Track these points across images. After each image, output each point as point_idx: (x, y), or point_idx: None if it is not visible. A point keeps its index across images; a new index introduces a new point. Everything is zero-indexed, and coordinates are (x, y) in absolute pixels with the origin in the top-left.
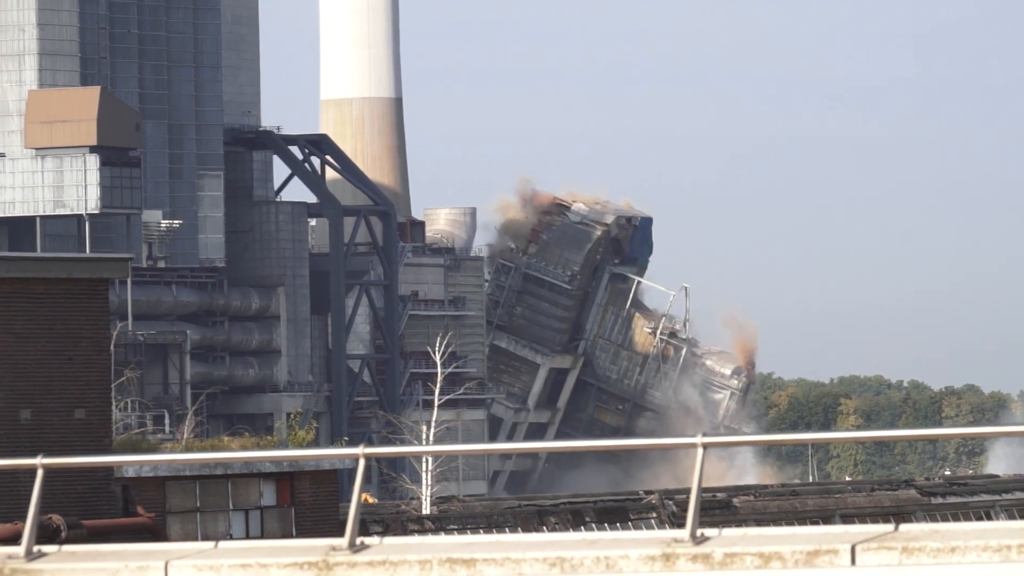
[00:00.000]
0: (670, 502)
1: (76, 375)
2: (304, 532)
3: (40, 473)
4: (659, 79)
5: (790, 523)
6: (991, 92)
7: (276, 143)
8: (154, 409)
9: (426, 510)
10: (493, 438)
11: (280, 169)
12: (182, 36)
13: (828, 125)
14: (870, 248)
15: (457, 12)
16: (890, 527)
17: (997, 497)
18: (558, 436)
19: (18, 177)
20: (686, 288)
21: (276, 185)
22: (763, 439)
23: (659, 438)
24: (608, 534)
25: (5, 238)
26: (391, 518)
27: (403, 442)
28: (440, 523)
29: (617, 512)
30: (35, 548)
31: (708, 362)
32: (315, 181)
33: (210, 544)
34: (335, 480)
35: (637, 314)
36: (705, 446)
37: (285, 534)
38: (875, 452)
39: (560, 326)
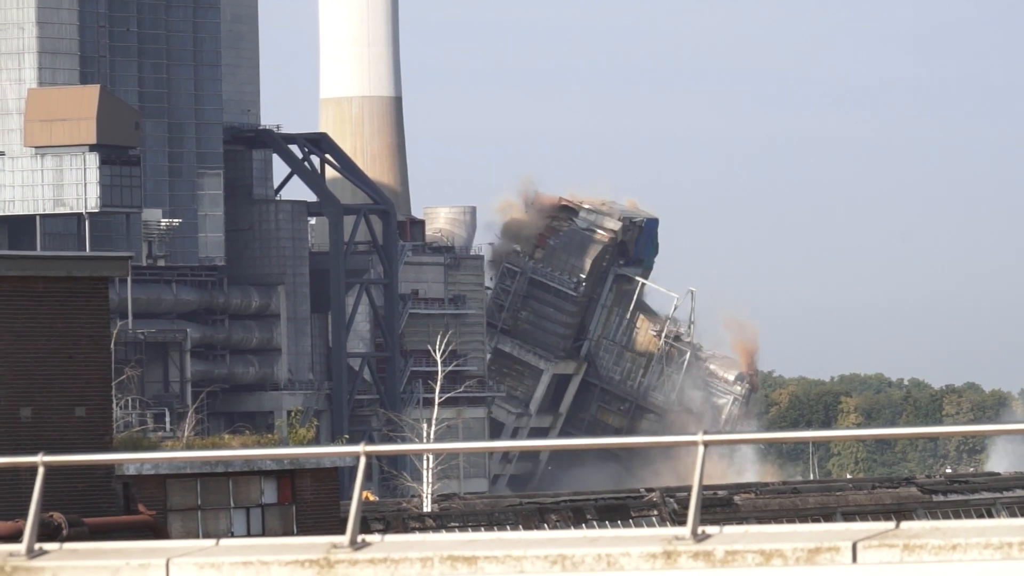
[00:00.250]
0: (671, 500)
1: (77, 373)
2: (305, 530)
3: (41, 471)
4: (657, 79)
5: (791, 521)
6: (990, 92)
7: (276, 142)
8: (155, 407)
9: (427, 508)
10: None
11: (280, 168)
12: (182, 35)
13: (827, 125)
14: (871, 247)
15: (457, 11)
16: (891, 525)
17: (998, 495)
18: (560, 436)
19: (18, 176)
20: (692, 292)
21: (276, 184)
22: (764, 437)
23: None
24: (609, 532)
25: (5, 237)
26: (392, 516)
27: (404, 440)
28: (441, 521)
29: (618, 510)
30: (36, 546)
31: (712, 366)
32: (315, 180)
33: (211, 542)
34: (336, 478)
35: (641, 316)
36: (706, 444)
37: (286, 532)
38: (876, 450)
39: (564, 332)
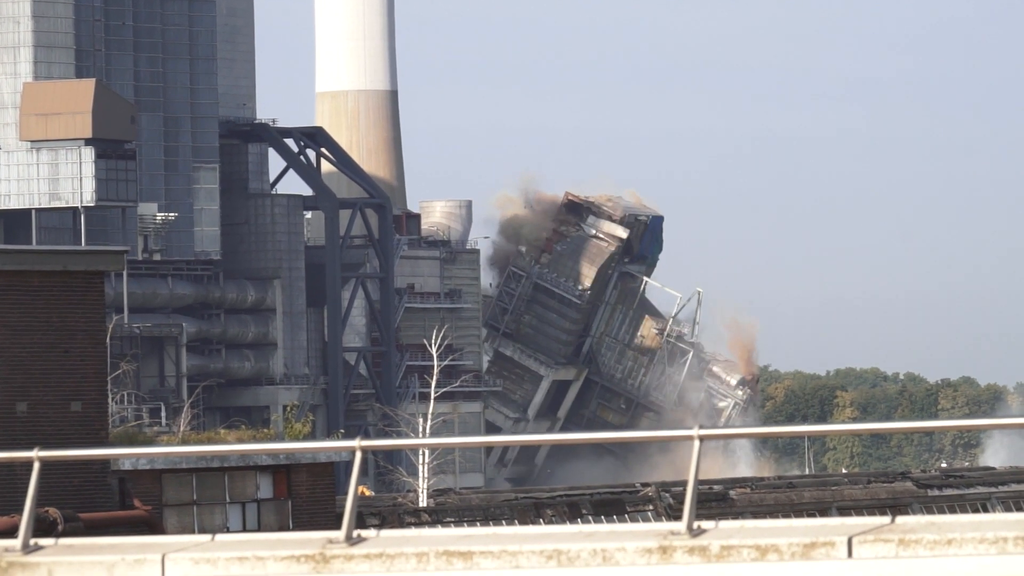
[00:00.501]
0: (667, 495)
1: (72, 368)
2: (301, 525)
3: (36, 466)
4: (655, 73)
5: (787, 515)
6: (989, 89)
7: (271, 136)
8: (150, 402)
9: (423, 503)
10: (490, 451)
11: (275, 162)
12: (177, 28)
13: (824, 121)
14: (867, 242)
15: (452, 4)
16: (887, 519)
17: (993, 489)
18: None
19: (13, 170)
20: (699, 292)
21: (271, 178)
22: (759, 431)
23: (656, 430)
24: (605, 527)
25: (1, 231)
26: (388, 511)
27: (399, 435)
28: (437, 516)
29: (614, 504)
30: (32, 541)
31: (715, 368)
32: (311, 174)
33: (207, 537)
34: (332, 473)
35: (645, 315)
36: (701, 438)
37: (282, 527)
38: (871, 444)
39: (566, 339)
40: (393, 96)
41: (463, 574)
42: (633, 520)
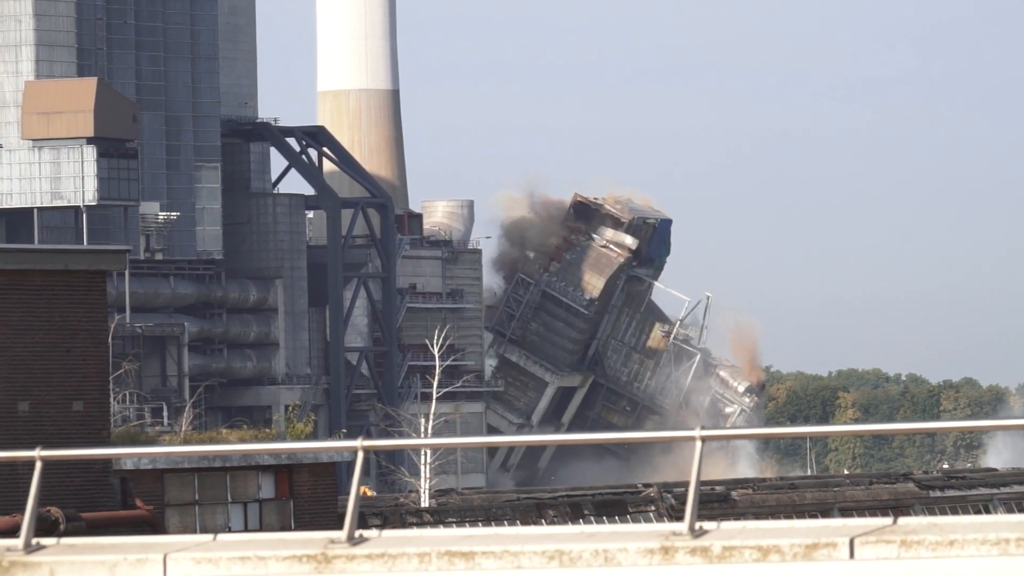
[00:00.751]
0: (668, 495)
1: (74, 367)
2: (302, 525)
3: (38, 465)
4: (655, 73)
5: (788, 516)
6: (990, 89)
7: (273, 135)
8: (152, 401)
9: (425, 503)
10: (493, 455)
11: (277, 161)
12: (179, 27)
13: (826, 120)
14: (869, 242)
15: (454, 3)
16: (888, 520)
17: (995, 490)
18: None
19: (15, 168)
20: (708, 297)
21: (273, 177)
22: (761, 432)
23: (659, 431)
24: (607, 527)
25: (2, 230)
26: (389, 511)
27: (401, 435)
28: (439, 516)
29: (616, 505)
30: (34, 540)
31: (722, 373)
32: (312, 173)
33: (209, 537)
34: (333, 473)
35: (652, 319)
36: (703, 439)
37: (283, 527)
38: (873, 445)
39: (572, 348)
40: (395, 95)
41: (465, 574)
42: (635, 521)
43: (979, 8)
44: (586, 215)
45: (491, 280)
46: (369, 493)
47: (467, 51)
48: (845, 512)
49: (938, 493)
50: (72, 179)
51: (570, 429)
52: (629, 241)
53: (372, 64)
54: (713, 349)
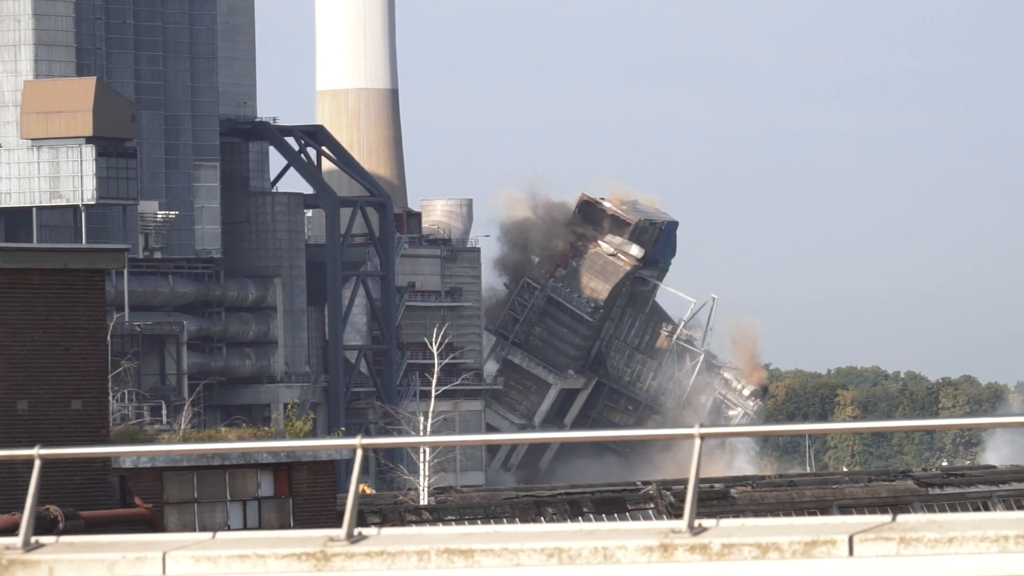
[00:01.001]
0: (668, 493)
1: (73, 366)
2: (301, 523)
3: (37, 464)
4: (655, 72)
5: (788, 514)
6: (990, 88)
7: (272, 134)
8: (151, 400)
9: (424, 501)
10: (494, 454)
11: (276, 160)
12: (178, 26)
13: (825, 118)
14: (868, 240)
15: (453, 2)
16: (888, 518)
17: (994, 488)
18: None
19: (14, 168)
20: (714, 299)
21: (272, 176)
22: (760, 430)
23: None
24: (606, 525)
25: (1, 229)
26: (389, 509)
27: (400, 433)
28: (438, 514)
29: (615, 503)
30: (33, 539)
31: (726, 374)
32: (311, 172)
33: (208, 535)
34: (332, 471)
35: (657, 320)
36: (703, 436)
37: (283, 525)
38: (872, 443)
39: (575, 353)
40: (394, 94)
41: (464, 572)
42: (634, 518)
43: (979, 7)
44: (592, 217)
45: (491, 279)
46: (368, 491)
47: (466, 50)
48: (844, 509)
49: (937, 490)
50: (71, 178)
51: (572, 429)
52: (635, 251)
53: (371, 63)
54: (714, 349)
